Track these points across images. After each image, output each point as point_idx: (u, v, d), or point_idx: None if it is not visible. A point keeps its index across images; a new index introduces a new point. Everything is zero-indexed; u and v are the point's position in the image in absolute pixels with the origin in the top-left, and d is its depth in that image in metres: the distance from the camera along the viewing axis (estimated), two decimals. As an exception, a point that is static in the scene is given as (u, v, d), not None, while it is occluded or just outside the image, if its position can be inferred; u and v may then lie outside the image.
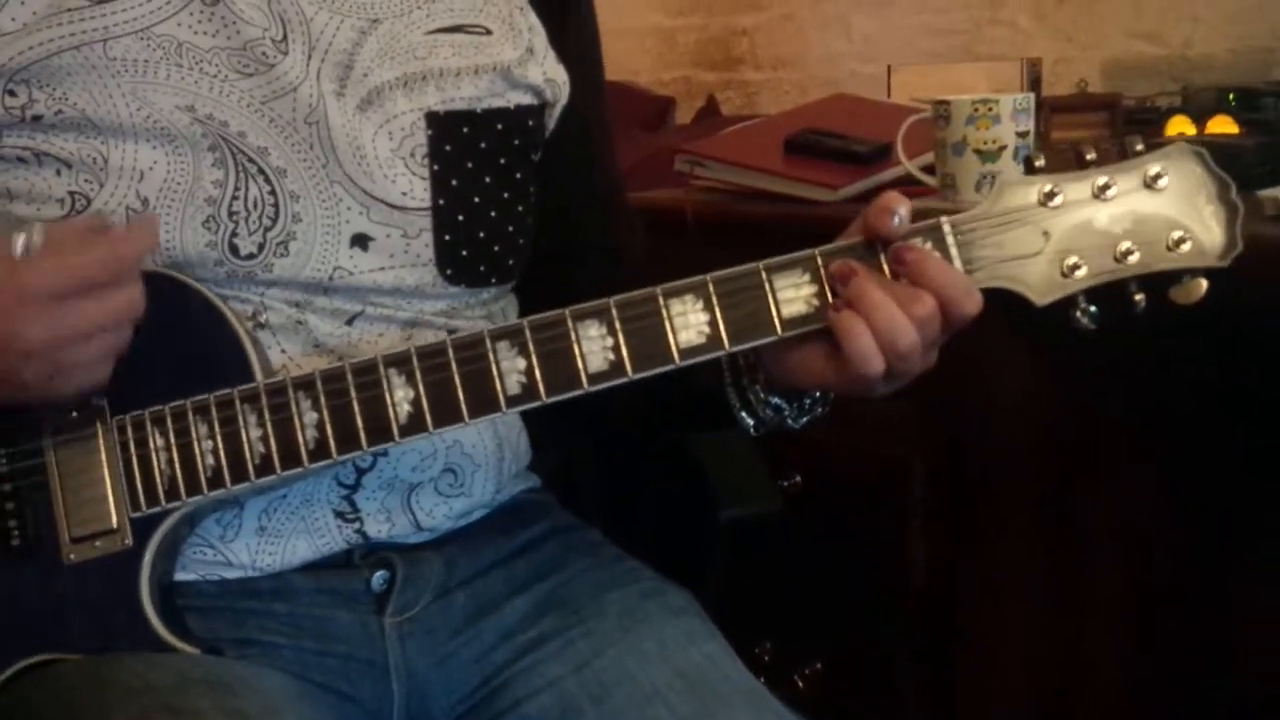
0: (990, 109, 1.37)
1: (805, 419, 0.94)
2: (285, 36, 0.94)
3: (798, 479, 1.50)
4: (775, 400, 0.93)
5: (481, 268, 0.99)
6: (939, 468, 1.45)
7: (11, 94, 0.90)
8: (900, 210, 0.84)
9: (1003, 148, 1.37)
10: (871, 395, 0.87)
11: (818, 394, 0.93)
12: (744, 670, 0.95)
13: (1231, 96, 1.74)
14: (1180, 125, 1.70)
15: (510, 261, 1.01)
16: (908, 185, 1.51)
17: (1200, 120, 1.67)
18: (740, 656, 0.96)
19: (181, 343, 0.89)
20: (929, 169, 1.46)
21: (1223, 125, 1.66)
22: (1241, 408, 1.31)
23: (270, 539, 0.95)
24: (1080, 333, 0.85)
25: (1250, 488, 1.32)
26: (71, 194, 0.90)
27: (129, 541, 0.87)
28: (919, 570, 1.46)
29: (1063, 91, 2.05)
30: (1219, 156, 0.86)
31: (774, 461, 1.21)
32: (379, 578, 0.97)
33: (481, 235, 0.98)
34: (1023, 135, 1.38)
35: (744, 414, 0.94)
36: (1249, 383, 1.30)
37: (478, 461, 1.01)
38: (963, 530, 1.44)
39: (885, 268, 0.85)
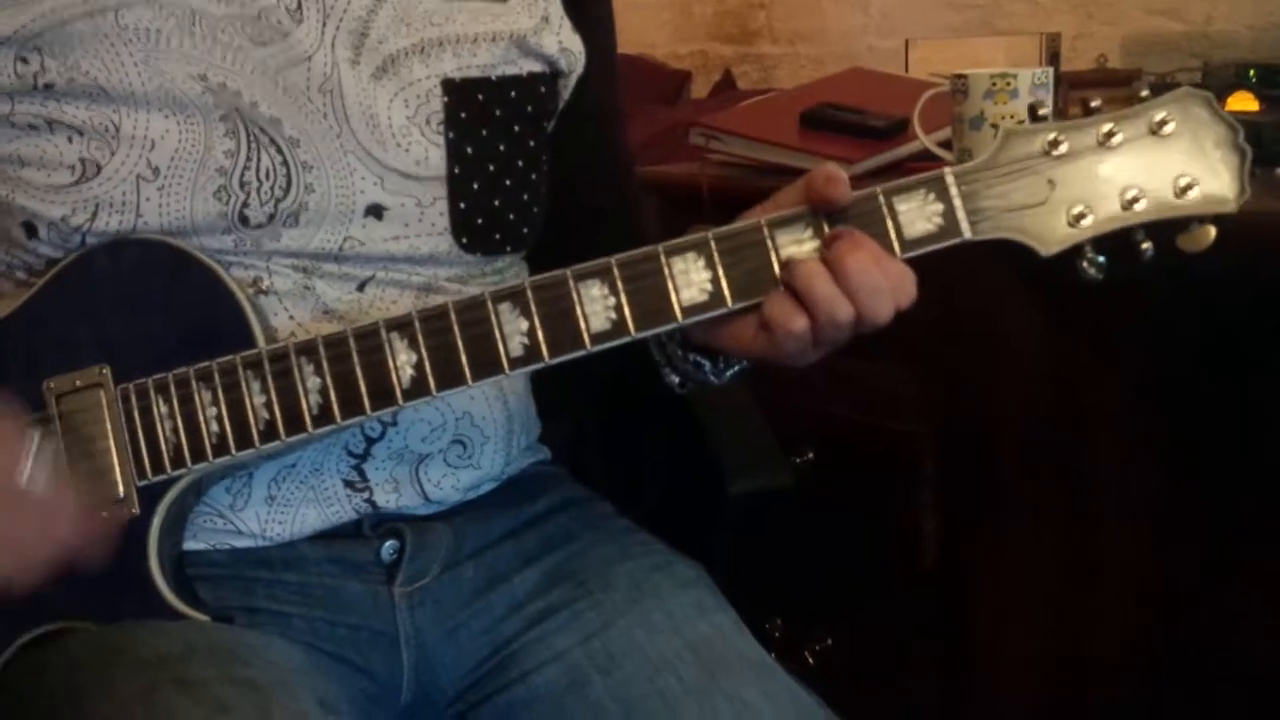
0: (1008, 83, 1.36)
1: (729, 373, 0.93)
2: (300, 5, 0.93)
3: (809, 454, 1.49)
4: (694, 357, 0.92)
5: (496, 236, 0.99)
6: (949, 443, 1.44)
7: (24, 60, 0.90)
8: (845, 177, 0.83)
9: (1020, 122, 1.36)
10: (795, 364, 0.86)
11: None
12: (753, 642, 0.94)
13: (1252, 73, 1.73)
14: (1200, 101, 1.68)
15: (525, 230, 1.00)
16: (924, 160, 1.50)
17: (1220, 96, 1.64)
18: (750, 631, 0.96)
19: (182, 310, 0.89)
20: (946, 144, 1.45)
21: (1243, 101, 1.65)
22: (1256, 382, 1.30)
23: (279, 508, 0.95)
24: (1088, 285, 0.83)
25: (1261, 464, 1.31)
26: (83, 161, 0.90)
27: (136, 510, 0.87)
28: (928, 546, 1.46)
29: (1082, 67, 2.04)
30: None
31: (785, 436, 1.20)
32: (388, 548, 0.97)
33: (496, 203, 0.98)
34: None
35: (668, 370, 0.94)
36: (1264, 357, 1.29)
37: (487, 433, 1.00)
38: (972, 506, 1.44)
39: (891, 228, 0.84)
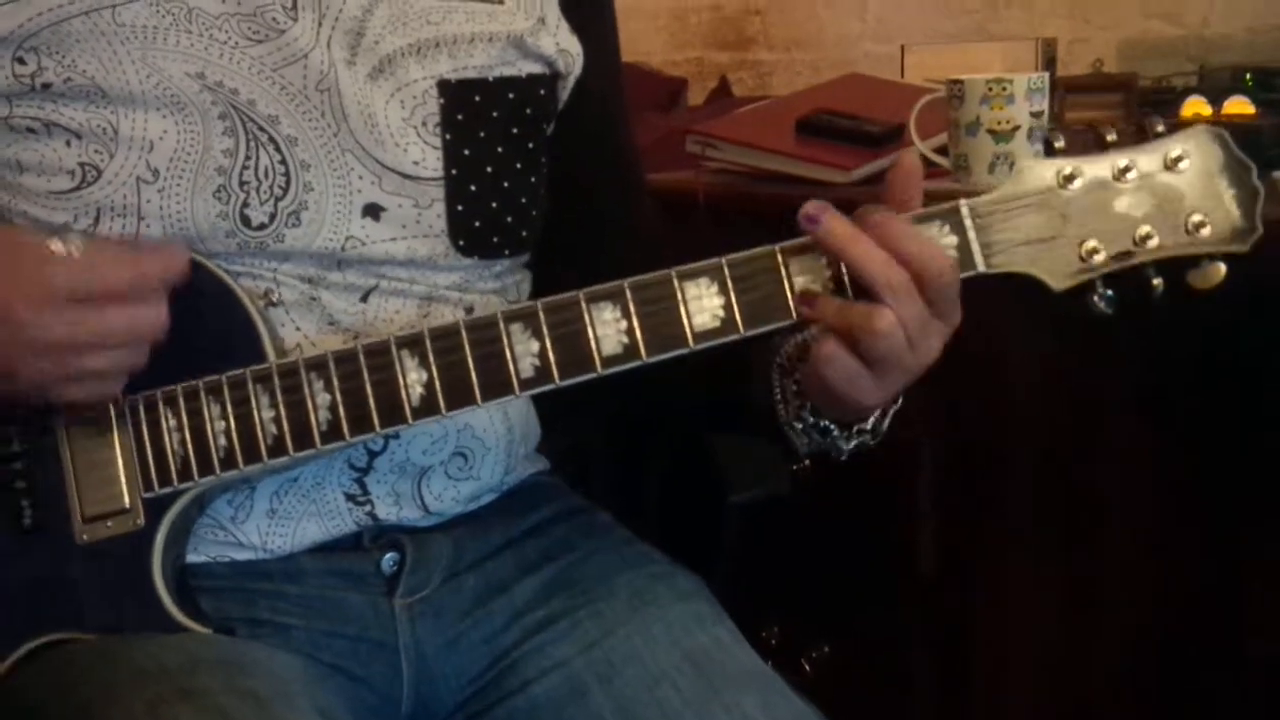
0: (1004, 89, 1.36)
1: (854, 443, 0.92)
2: (295, 2, 0.93)
3: (806, 463, 1.49)
4: (823, 424, 0.91)
5: (495, 239, 0.98)
6: (948, 451, 1.44)
7: (21, 62, 0.89)
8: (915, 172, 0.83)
9: (1016, 128, 1.36)
10: (869, 400, 0.86)
11: (869, 423, 0.91)
12: (752, 653, 0.95)
13: (1248, 77, 1.73)
14: (1196, 106, 1.69)
15: (523, 233, 1.00)
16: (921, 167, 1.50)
17: (1216, 100, 1.66)
18: (748, 639, 0.96)
19: (193, 322, 0.88)
20: (942, 150, 1.45)
21: (1239, 106, 1.65)
22: (1257, 388, 1.31)
23: (281, 521, 0.95)
24: (1096, 317, 0.84)
25: (1266, 468, 1.31)
26: (82, 165, 0.90)
27: (141, 521, 0.87)
28: (927, 554, 1.46)
29: (1078, 71, 2.04)
30: (1235, 138, 0.85)
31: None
32: (389, 559, 0.97)
33: (494, 205, 0.98)
34: (1037, 116, 1.37)
35: (803, 440, 0.93)
36: (1264, 363, 1.30)
37: (488, 445, 1.01)
38: (971, 514, 1.44)
39: None
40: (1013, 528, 1.43)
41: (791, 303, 0.84)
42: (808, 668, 1.53)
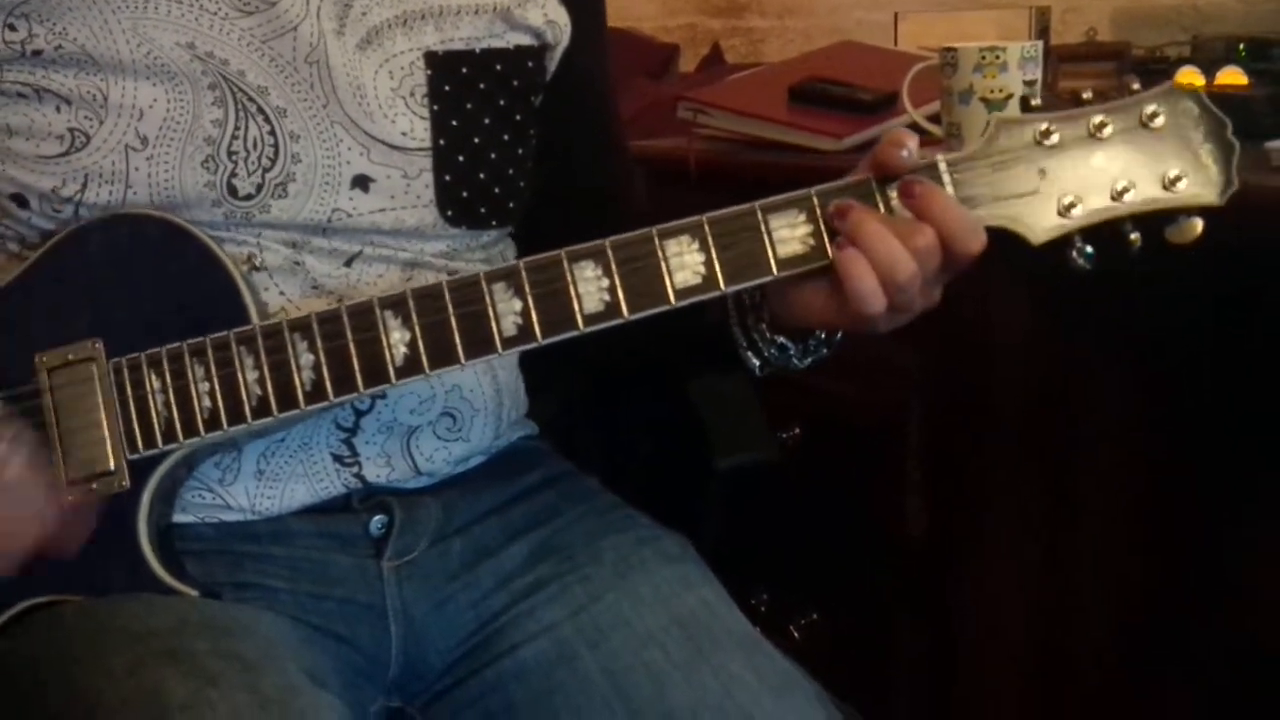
0: (998, 57, 1.36)
1: (810, 359, 0.94)
2: None
3: (796, 430, 1.50)
4: (780, 339, 0.92)
5: (482, 209, 0.99)
6: (937, 418, 1.45)
7: (11, 28, 0.90)
8: (910, 145, 0.84)
9: (1010, 96, 1.36)
10: (874, 331, 0.87)
11: (822, 334, 0.93)
12: (739, 616, 0.95)
13: (1242, 47, 1.72)
14: (1189, 76, 1.67)
15: (510, 204, 1.00)
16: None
17: (1210, 71, 1.65)
18: (736, 605, 0.96)
19: (177, 286, 0.89)
20: (935, 118, 1.45)
21: (1232, 76, 1.64)
22: (1245, 358, 1.31)
23: (268, 483, 0.95)
24: (1076, 274, 0.84)
25: (1250, 438, 1.32)
26: (71, 131, 0.90)
27: (126, 483, 0.87)
28: (916, 520, 1.47)
29: (1071, 40, 2.04)
30: (1227, 107, 0.85)
31: (773, 412, 1.21)
32: (377, 522, 0.97)
33: (482, 176, 0.98)
34: (1030, 84, 1.37)
35: (749, 353, 0.94)
36: (1252, 333, 1.30)
37: (476, 406, 1.01)
38: (960, 481, 1.45)
39: (881, 205, 0.84)
40: (1000, 495, 1.44)
41: (772, 259, 0.84)
42: (796, 635, 1.54)
